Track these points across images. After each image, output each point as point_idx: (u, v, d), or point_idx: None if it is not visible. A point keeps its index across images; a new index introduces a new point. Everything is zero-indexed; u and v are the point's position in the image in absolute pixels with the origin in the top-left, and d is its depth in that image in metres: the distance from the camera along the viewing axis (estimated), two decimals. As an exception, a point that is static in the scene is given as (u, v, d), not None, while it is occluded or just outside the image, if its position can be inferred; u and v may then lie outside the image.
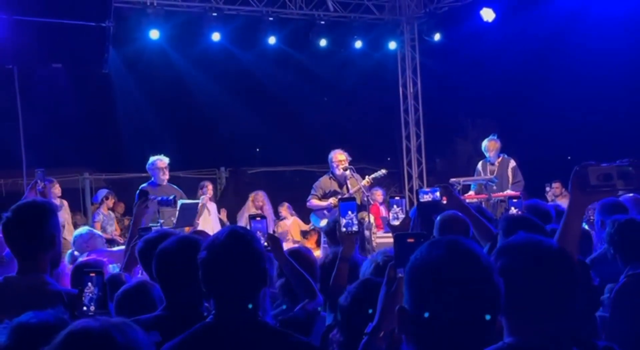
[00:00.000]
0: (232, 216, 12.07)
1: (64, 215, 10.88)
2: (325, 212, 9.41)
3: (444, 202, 4.61)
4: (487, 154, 10.15)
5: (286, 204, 12.43)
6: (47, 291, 2.95)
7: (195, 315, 2.68)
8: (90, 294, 2.78)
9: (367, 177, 9.54)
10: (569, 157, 13.02)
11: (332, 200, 9.24)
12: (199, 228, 8.39)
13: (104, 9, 8.40)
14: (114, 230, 11.40)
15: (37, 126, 13.73)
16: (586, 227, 5.70)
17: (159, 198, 8.01)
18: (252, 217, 3.81)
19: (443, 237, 1.94)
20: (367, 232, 8.49)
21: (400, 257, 2.21)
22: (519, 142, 11.78)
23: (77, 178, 15.56)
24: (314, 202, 9.60)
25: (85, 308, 2.77)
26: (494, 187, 9.79)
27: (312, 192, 9.65)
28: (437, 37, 13.98)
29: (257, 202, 11.31)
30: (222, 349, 2.43)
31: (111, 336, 1.72)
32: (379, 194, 11.96)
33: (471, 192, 9.95)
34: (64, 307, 2.56)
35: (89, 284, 2.80)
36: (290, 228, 12.07)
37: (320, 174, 10.18)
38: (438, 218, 4.38)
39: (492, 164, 10.09)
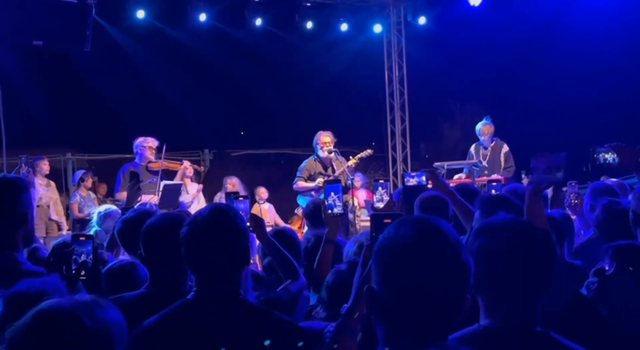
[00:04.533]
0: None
1: (51, 195, 10.78)
2: (312, 193, 9.35)
3: (430, 186, 4.61)
4: (480, 138, 10.09)
5: (263, 188, 12.37)
6: (20, 271, 2.85)
7: (179, 294, 2.65)
8: (84, 257, 2.76)
9: (351, 157, 9.51)
10: (551, 142, 13.05)
11: (319, 181, 9.21)
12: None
13: (87, -14, 8.29)
14: (92, 211, 11.24)
15: (18, 105, 13.59)
16: (567, 211, 5.71)
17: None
18: (235, 197, 3.76)
19: (411, 215, 1.89)
20: (350, 215, 8.49)
21: (377, 237, 2.18)
22: (507, 127, 11.79)
23: (60, 158, 15.43)
24: (301, 184, 9.56)
25: (76, 272, 2.74)
26: (486, 172, 9.79)
27: (298, 174, 9.61)
28: (422, 20, 13.96)
29: (229, 186, 11.25)
30: (203, 325, 2.42)
31: (80, 319, 1.71)
32: (357, 180, 11.92)
33: (462, 175, 9.91)
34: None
35: (79, 248, 2.77)
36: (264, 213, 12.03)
37: (304, 156, 10.14)
38: (417, 198, 4.38)
39: (485, 148, 10.05)
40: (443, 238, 1.73)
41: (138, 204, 7.97)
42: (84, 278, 2.77)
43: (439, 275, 1.69)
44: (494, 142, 10.04)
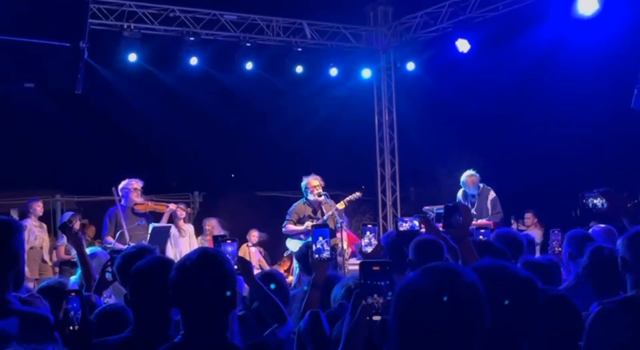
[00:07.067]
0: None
1: (45, 236, 10.79)
2: (301, 236, 9.38)
3: (423, 230, 4.62)
4: (466, 189, 10.23)
5: (255, 232, 12.35)
6: (9, 311, 2.88)
7: (163, 337, 2.63)
8: (73, 313, 2.76)
9: (341, 201, 9.56)
10: (541, 187, 13.08)
11: (308, 224, 9.23)
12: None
13: (79, 30, 8.37)
14: None
15: (7, 146, 13.59)
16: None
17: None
18: (223, 240, 3.75)
19: (433, 264, 1.91)
20: (339, 258, 8.48)
21: (366, 285, 2.17)
22: (496, 172, 11.86)
23: (49, 200, 15.35)
24: (290, 227, 9.58)
25: (70, 328, 2.74)
26: (474, 219, 9.84)
27: (287, 218, 9.64)
28: (411, 66, 14.12)
29: (209, 228, 11.26)
30: None
31: None
32: None
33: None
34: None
35: (69, 304, 2.77)
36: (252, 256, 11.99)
37: (294, 199, 10.16)
38: (413, 241, 4.39)
39: (473, 197, 10.18)
40: (468, 290, 1.78)
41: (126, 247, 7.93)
42: (75, 331, 2.76)
43: (458, 327, 1.74)
44: (480, 188, 10.16)
